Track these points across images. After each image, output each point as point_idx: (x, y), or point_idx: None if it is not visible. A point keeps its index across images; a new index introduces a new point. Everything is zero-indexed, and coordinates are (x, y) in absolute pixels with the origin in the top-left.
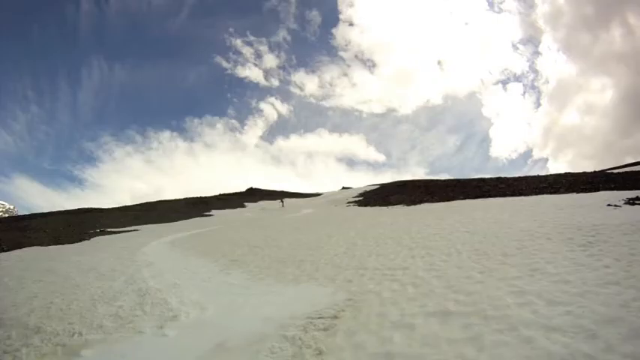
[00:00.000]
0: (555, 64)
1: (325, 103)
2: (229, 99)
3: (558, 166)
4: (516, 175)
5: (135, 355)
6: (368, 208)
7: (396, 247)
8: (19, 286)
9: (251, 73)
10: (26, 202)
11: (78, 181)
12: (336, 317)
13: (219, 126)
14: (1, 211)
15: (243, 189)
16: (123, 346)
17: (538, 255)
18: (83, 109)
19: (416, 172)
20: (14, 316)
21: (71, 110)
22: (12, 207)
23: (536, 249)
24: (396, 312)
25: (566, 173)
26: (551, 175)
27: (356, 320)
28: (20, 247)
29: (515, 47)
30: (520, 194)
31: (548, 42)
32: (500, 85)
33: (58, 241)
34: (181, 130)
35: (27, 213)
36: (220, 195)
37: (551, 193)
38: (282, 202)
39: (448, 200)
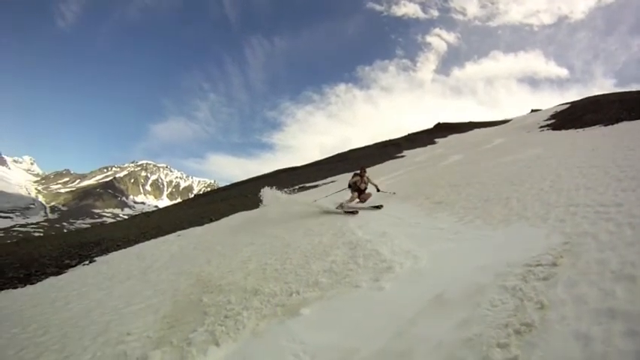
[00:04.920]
0: None
1: (492, 24)
2: (394, 40)
3: None
4: None
5: (354, 310)
6: (562, 132)
7: (603, 177)
8: (232, 252)
9: (407, 9)
10: (224, 175)
11: (268, 147)
12: (554, 264)
13: (392, 68)
14: (204, 187)
15: (430, 125)
16: (341, 301)
17: None
18: (257, 85)
19: (603, 85)
20: (232, 280)
21: (246, 88)
22: (212, 181)
23: None
24: (615, 259)
25: None
26: None
27: (575, 268)
28: (227, 216)
29: None
30: None
31: None
32: None
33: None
34: (355, 81)
35: (227, 184)
36: (409, 135)
37: None
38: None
39: None
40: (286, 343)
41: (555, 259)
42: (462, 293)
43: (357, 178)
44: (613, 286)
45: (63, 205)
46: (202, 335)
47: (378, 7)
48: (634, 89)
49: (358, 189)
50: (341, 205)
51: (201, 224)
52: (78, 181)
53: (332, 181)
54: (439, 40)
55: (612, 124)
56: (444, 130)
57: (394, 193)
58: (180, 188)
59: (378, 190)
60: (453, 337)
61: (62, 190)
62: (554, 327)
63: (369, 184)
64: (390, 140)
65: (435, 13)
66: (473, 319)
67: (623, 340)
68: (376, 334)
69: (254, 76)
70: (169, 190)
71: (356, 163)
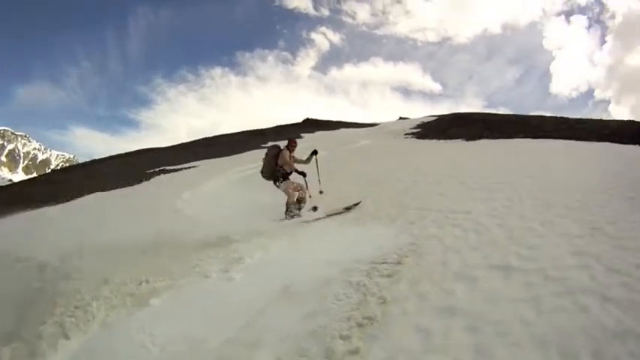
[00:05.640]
0: None
1: (379, 32)
2: (279, 31)
3: (621, 109)
4: (577, 117)
5: (204, 300)
6: (426, 141)
7: (457, 186)
8: (85, 236)
9: (299, 3)
10: (86, 150)
11: (134, 124)
12: (399, 263)
13: (271, 59)
14: (63, 162)
15: (299, 120)
16: (191, 292)
17: (599, 213)
18: (133, 57)
19: (472, 104)
20: (82, 267)
21: (121, 59)
22: (72, 156)
23: (599, 205)
24: (458, 262)
25: (630, 121)
26: (614, 120)
27: (419, 268)
28: (81, 195)
29: None
30: (582, 138)
31: None
32: (562, 17)
33: (118, 184)
34: (233, 66)
35: (87, 160)
36: (276, 127)
37: (613, 141)
38: None
39: (507, 137)
40: (136, 334)
41: (401, 258)
42: (310, 286)
43: (287, 155)
44: (454, 285)
45: None
46: (52, 327)
47: None
48: (500, 112)
49: (285, 174)
50: (291, 211)
51: (56, 204)
52: None
53: (194, 166)
54: (323, 38)
55: (474, 139)
56: (312, 125)
57: (310, 197)
58: (38, 161)
59: (302, 175)
60: (300, 328)
61: None
62: (395, 321)
63: (296, 164)
64: (257, 130)
65: (326, 12)
66: (319, 311)
67: (463, 335)
68: (225, 324)
69: (132, 47)
70: (25, 162)
71: (221, 148)
